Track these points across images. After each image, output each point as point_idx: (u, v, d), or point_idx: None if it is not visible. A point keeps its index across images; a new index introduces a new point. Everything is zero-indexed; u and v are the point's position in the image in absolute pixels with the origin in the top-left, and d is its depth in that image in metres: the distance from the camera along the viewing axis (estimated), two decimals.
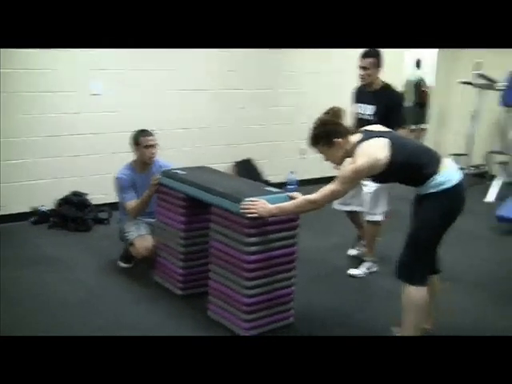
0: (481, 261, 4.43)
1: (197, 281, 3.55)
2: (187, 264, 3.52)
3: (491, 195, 6.27)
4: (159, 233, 3.73)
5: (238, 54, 5.86)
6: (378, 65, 3.85)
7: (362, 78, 3.90)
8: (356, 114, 3.99)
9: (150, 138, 3.95)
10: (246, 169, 5.91)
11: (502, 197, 5.90)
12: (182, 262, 3.52)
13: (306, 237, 3.46)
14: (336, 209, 4.13)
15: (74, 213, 4.93)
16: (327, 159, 2.89)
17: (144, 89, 5.42)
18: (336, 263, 4.24)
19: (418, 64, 10.00)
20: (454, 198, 2.73)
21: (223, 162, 5.66)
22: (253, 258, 2.97)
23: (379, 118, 3.69)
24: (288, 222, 3.07)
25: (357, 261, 4.18)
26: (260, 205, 2.89)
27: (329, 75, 6.52)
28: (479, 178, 6.95)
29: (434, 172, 2.68)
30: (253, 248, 2.96)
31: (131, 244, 3.89)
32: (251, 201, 2.91)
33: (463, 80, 6.89)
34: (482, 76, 6.72)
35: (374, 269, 4.07)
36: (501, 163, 6.73)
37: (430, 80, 8.84)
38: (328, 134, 2.78)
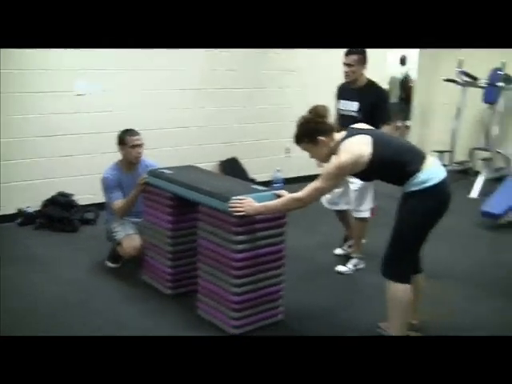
0: (466, 257, 4.47)
1: (185, 280, 3.56)
2: (175, 263, 3.53)
3: (475, 191, 6.34)
4: (147, 232, 3.73)
5: (223, 53, 5.88)
6: (362, 62, 3.87)
7: (347, 75, 3.92)
8: (339, 111, 4.02)
9: (136, 137, 3.93)
10: (231, 167, 5.92)
11: (485, 193, 5.96)
12: (170, 262, 3.52)
13: (294, 234, 3.48)
14: (325, 207, 4.17)
15: (60, 213, 4.88)
16: (312, 157, 2.93)
17: (133, 89, 5.41)
18: (324, 260, 4.26)
19: (403, 61, 10.10)
20: (437, 196, 2.72)
21: (209, 161, 5.68)
22: (241, 256, 2.98)
23: (364, 115, 3.72)
24: (275, 219, 3.08)
25: (344, 258, 4.21)
26: (247, 203, 2.90)
27: (314, 73, 6.54)
28: (463, 174, 7.03)
29: (417, 170, 2.68)
30: (241, 246, 2.97)
31: (119, 244, 3.89)
32: (238, 199, 2.92)
33: (446, 77, 6.95)
34: (464, 73, 6.80)
35: (361, 265, 4.10)
36: (484, 159, 6.80)
37: (415, 75, 8.91)
38: (312, 132, 2.80)
